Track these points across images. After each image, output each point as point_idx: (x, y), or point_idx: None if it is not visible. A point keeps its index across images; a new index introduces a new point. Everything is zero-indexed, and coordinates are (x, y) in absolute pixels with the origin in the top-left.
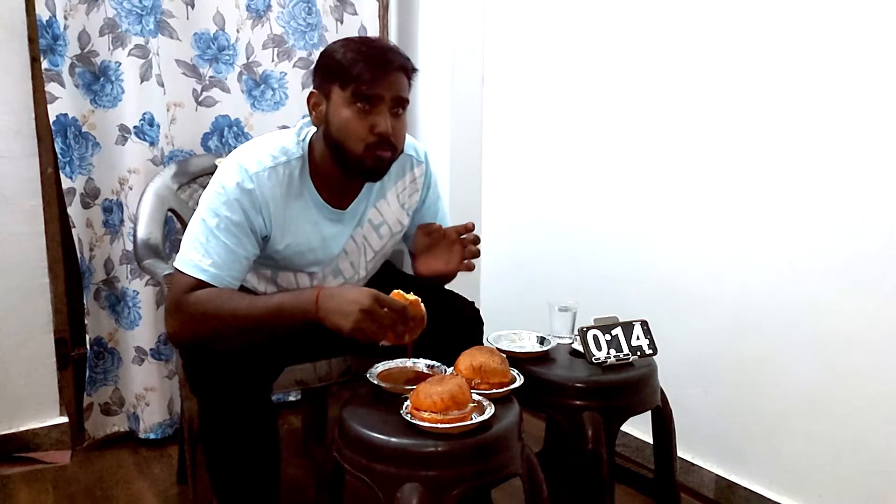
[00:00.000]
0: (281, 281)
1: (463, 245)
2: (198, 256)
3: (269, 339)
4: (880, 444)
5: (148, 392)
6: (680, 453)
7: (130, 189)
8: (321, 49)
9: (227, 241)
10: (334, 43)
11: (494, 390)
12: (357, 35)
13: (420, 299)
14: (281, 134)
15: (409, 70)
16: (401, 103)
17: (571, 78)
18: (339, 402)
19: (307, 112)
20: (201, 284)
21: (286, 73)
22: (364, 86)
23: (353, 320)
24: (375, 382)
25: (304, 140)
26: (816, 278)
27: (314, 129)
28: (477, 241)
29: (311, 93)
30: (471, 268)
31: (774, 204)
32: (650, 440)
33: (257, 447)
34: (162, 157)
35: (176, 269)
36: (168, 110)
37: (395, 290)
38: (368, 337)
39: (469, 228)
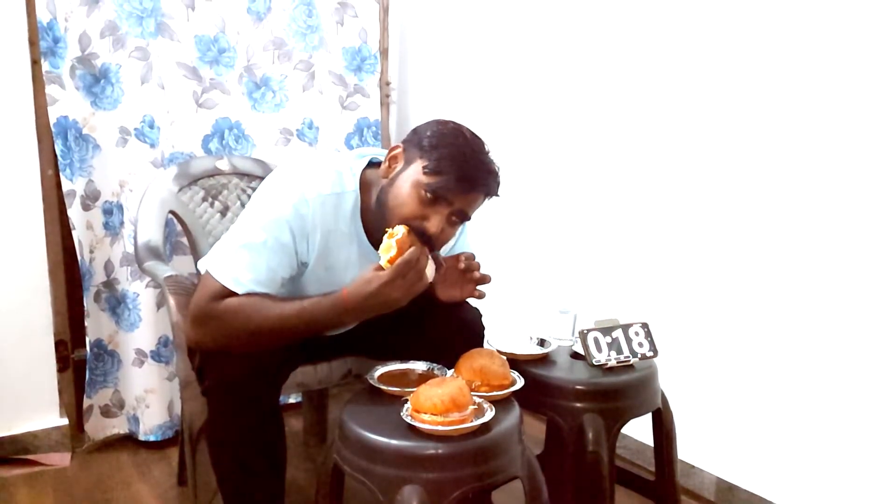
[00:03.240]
0: None
1: (467, 278)
2: (238, 269)
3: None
4: (880, 445)
5: (148, 394)
6: (680, 456)
7: (131, 191)
8: (321, 51)
9: (270, 260)
10: (449, 124)
11: (495, 392)
12: (452, 121)
13: (394, 232)
14: (338, 161)
15: (491, 194)
16: (463, 217)
17: (572, 78)
18: (339, 403)
19: (307, 118)
20: (231, 294)
21: (287, 76)
22: (441, 190)
23: (400, 305)
24: (376, 384)
25: (355, 176)
26: (816, 279)
27: (363, 164)
28: (481, 278)
29: (398, 146)
30: (481, 295)
31: (774, 205)
32: (650, 442)
33: (265, 448)
34: (162, 160)
35: (208, 273)
36: (168, 112)
37: (382, 260)
38: (417, 291)
39: (470, 266)
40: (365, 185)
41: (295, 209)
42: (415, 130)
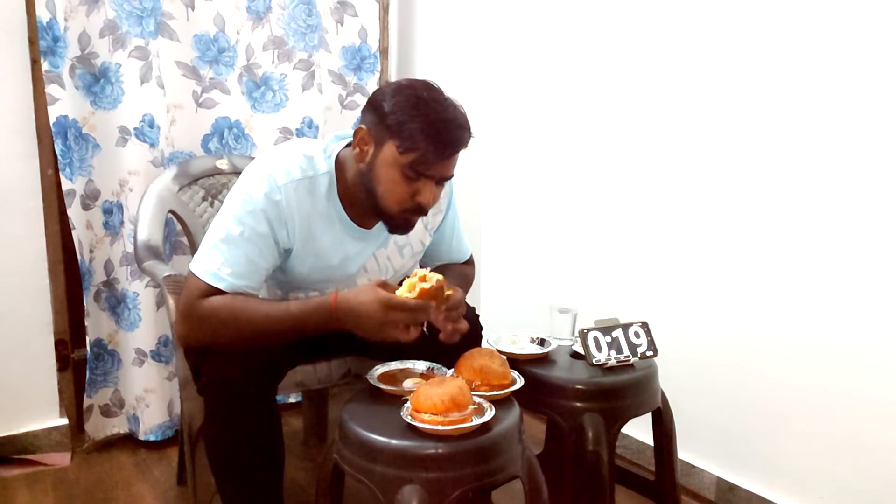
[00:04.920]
0: (292, 299)
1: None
2: (216, 264)
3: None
4: (880, 445)
5: (148, 394)
6: (680, 455)
7: (130, 191)
8: (321, 50)
9: (249, 252)
10: (405, 90)
11: (495, 392)
12: (402, 80)
13: (427, 274)
14: (307, 145)
15: (468, 145)
16: (449, 177)
17: (572, 78)
18: (339, 403)
19: (307, 117)
20: (216, 291)
21: (286, 75)
22: (422, 165)
23: (376, 334)
24: (375, 384)
25: (330, 157)
26: (816, 279)
27: (341, 146)
28: (461, 329)
29: (361, 128)
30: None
31: (774, 205)
32: (651, 442)
33: (262, 447)
34: (162, 159)
35: (191, 271)
36: (168, 112)
37: (406, 282)
38: (396, 340)
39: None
40: (340, 165)
41: (267, 197)
42: (371, 105)
